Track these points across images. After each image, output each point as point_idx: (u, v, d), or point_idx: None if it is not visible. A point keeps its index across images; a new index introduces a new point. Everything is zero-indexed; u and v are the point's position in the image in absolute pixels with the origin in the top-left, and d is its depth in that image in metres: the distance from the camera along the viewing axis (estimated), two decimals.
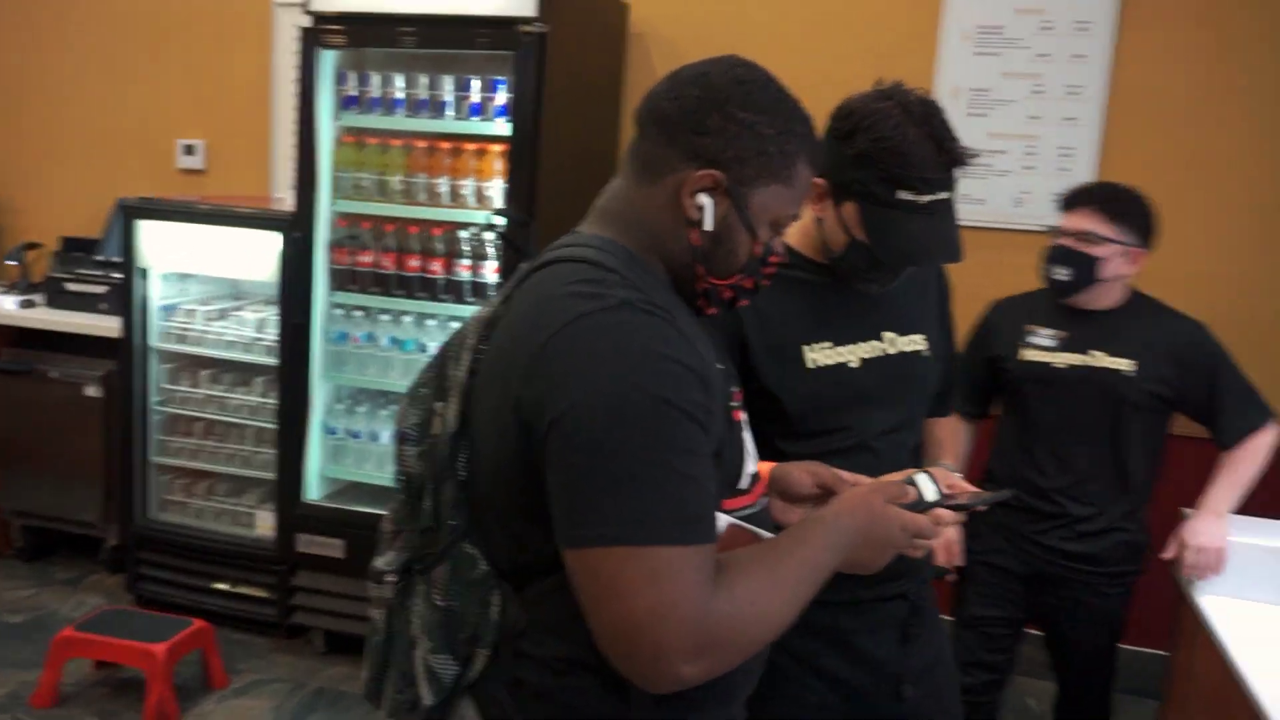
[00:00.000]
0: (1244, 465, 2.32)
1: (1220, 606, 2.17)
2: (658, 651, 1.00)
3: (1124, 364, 2.30)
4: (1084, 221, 2.28)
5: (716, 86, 1.14)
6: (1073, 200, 2.35)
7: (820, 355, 1.56)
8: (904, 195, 1.43)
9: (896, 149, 1.41)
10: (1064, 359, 2.34)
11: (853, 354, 1.58)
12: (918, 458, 1.69)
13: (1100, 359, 2.31)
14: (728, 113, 1.13)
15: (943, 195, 1.46)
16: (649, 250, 1.18)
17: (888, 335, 1.61)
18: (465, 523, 1.18)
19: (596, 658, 1.07)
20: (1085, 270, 2.28)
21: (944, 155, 1.45)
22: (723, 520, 1.13)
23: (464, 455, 1.18)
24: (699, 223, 1.15)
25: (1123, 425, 2.32)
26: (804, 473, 1.35)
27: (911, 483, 1.30)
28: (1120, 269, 2.30)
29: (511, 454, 1.09)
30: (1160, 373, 2.30)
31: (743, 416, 1.26)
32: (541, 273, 1.17)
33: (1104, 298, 2.35)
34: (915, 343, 1.63)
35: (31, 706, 3.05)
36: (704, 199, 1.14)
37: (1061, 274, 2.31)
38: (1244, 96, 3.23)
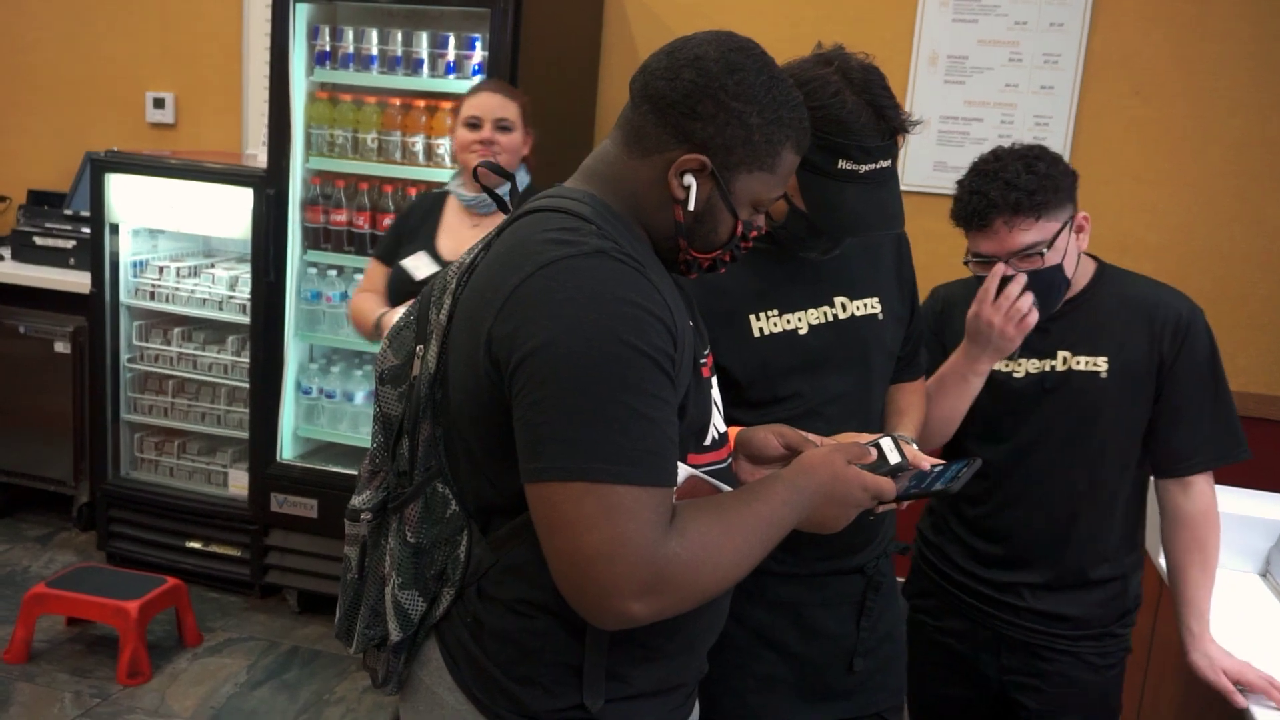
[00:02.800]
0: (1211, 541, 1.84)
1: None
2: (607, 586, 1.03)
3: (1099, 363, 1.82)
4: (1014, 237, 1.71)
5: (712, 73, 1.16)
6: (984, 216, 1.72)
7: (767, 323, 1.57)
8: (844, 165, 1.42)
9: (835, 118, 1.39)
10: (1024, 366, 1.86)
11: (802, 320, 1.58)
12: (880, 424, 1.68)
13: (1069, 360, 1.83)
14: (719, 100, 1.15)
15: (884, 164, 1.45)
16: (631, 214, 1.21)
17: (839, 300, 1.60)
18: (439, 463, 1.22)
19: (557, 601, 1.10)
20: (1053, 286, 1.76)
21: (884, 123, 1.42)
22: (684, 470, 1.15)
23: (441, 396, 1.21)
24: (684, 202, 1.18)
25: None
26: (771, 434, 1.37)
27: (875, 446, 1.32)
28: (1078, 248, 1.80)
29: (482, 393, 1.13)
30: (1137, 369, 1.82)
31: (711, 375, 1.28)
32: (521, 220, 1.20)
33: (1074, 284, 1.84)
34: (868, 306, 1.62)
35: (4, 661, 3.05)
36: (690, 180, 1.18)
37: (1027, 304, 1.75)
38: (1220, 64, 3.25)
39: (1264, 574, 2.22)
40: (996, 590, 1.87)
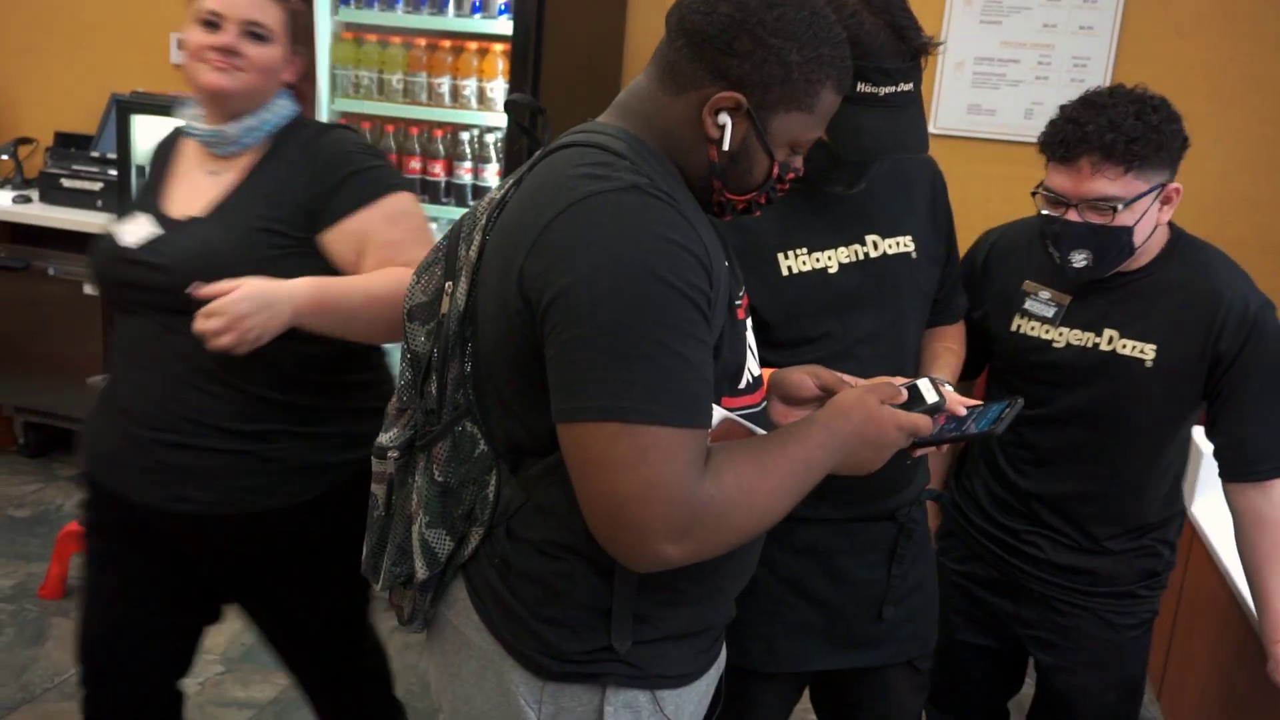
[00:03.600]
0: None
1: (1213, 516, 2.17)
2: (641, 528, 1.02)
3: (1146, 350, 1.69)
4: (1094, 183, 1.58)
5: (750, 7, 1.12)
6: (1070, 149, 1.59)
7: (796, 262, 1.54)
8: (862, 88, 1.38)
9: (854, 39, 1.33)
10: (1065, 336, 1.74)
11: (831, 259, 1.55)
12: (915, 367, 1.65)
13: (1116, 341, 1.71)
14: (757, 36, 1.12)
15: (904, 87, 1.41)
16: (665, 151, 1.18)
17: (870, 238, 1.56)
18: (468, 401, 1.21)
19: (586, 543, 1.10)
20: (1114, 248, 1.62)
21: (904, 45, 1.39)
22: (719, 413, 1.14)
23: (470, 334, 1.20)
24: (718, 141, 1.15)
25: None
26: (805, 374, 1.35)
27: (912, 387, 1.30)
28: (1157, 219, 1.66)
29: (514, 331, 1.11)
30: (1188, 364, 1.69)
31: (746, 317, 1.25)
32: (553, 156, 1.17)
33: (1143, 254, 1.70)
34: (901, 245, 1.58)
35: (39, 597, 3.10)
36: (725, 119, 1.14)
37: (1079, 259, 1.65)
38: (1267, 4, 3.15)
39: None
40: (1016, 539, 1.83)
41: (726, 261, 1.17)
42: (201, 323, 1.47)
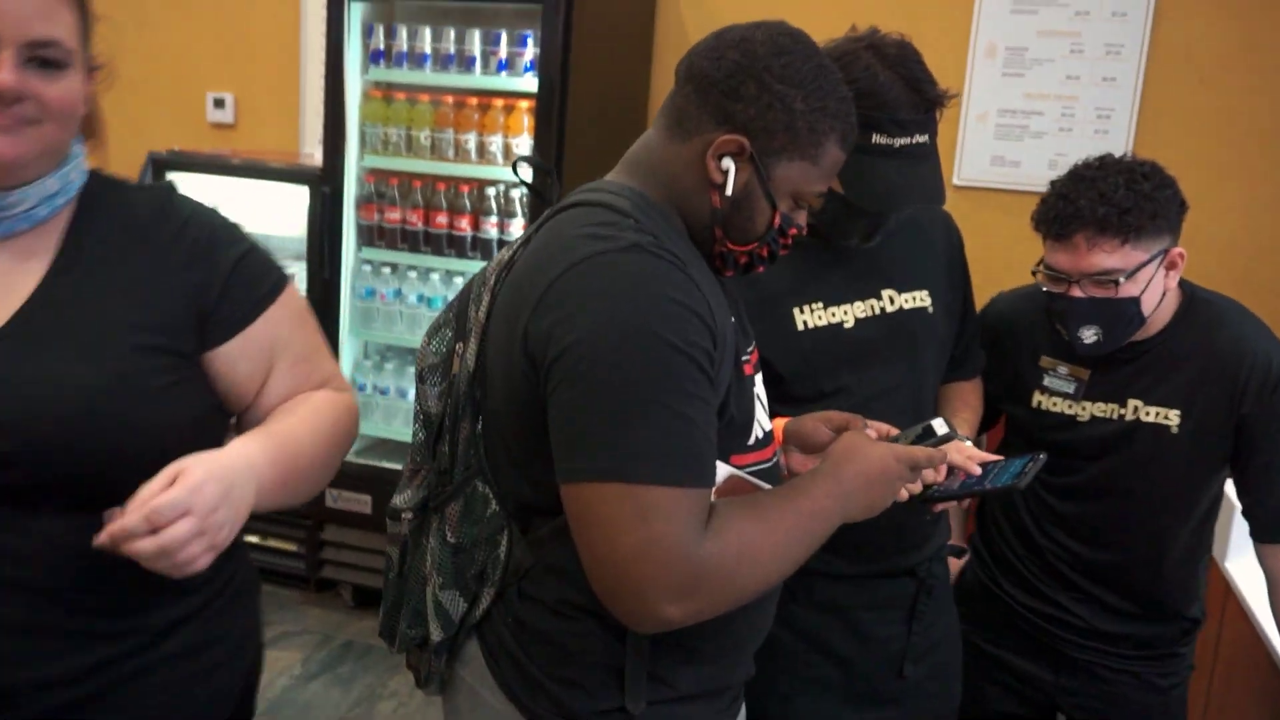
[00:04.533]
0: None
1: (1251, 574, 2.14)
2: (642, 589, 1.02)
3: (1171, 416, 1.67)
4: (1092, 257, 1.56)
5: (757, 54, 1.13)
6: (1064, 226, 1.58)
7: (811, 316, 1.54)
8: (878, 139, 1.40)
9: (868, 91, 1.37)
10: (1089, 410, 1.71)
11: (847, 313, 1.54)
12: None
13: (1140, 410, 1.68)
14: (764, 82, 1.13)
15: (920, 139, 1.42)
16: (670, 203, 1.19)
17: (886, 292, 1.57)
18: (479, 461, 1.21)
19: (598, 603, 1.09)
20: (1121, 321, 1.60)
21: (919, 97, 1.41)
22: (723, 470, 1.13)
23: (480, 394, 1.20)
24: (721, 186, 1.15)
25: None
26: (819, 421, 1.34)
27: (926, 426, 1.30)
28: (1164, 286, 1.62)
29: (520, 390, 1.11)
30: (1212, 427, 1.66)
31: (755, 373, 1.25)
32: (559, 216, 1.19)
33: (1155, 322, 1.67)
34: (918, 299, 1.58)
35: None
36: (728, 163, 1.14)
37: (1089, 336, 1.62)
38: None
39: None
40: (1056, 608, 1.78)
41: (733, 317, 1.17)
42: (139, 538, 0.95)
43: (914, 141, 1.42)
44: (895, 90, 1.40)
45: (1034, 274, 1.68)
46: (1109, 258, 1.55)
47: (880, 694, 1.63)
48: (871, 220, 1.50)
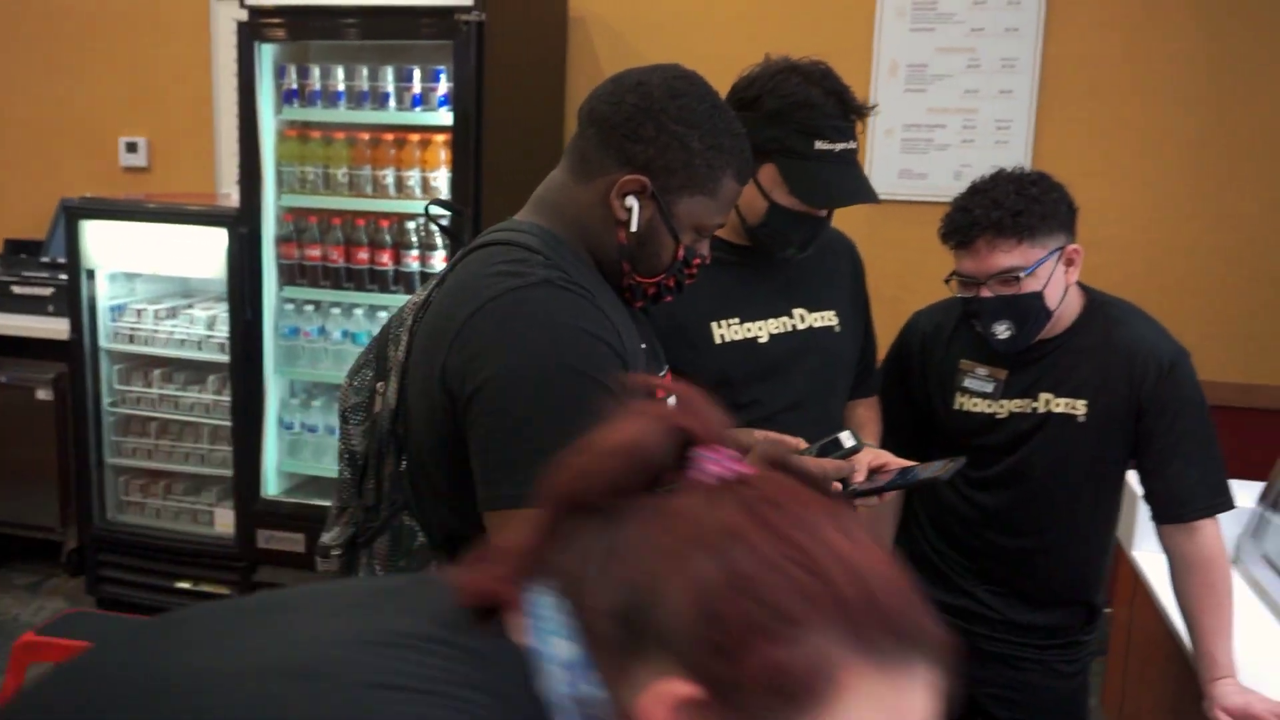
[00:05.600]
0: (1218, 587, 1.75)
1: (1157, 563, 2.23)
2: None
3: (1078, 406, 1.78)
4: (993, 258, 1.69)
5: (654, 97, 1.20)
6: (965, 234, 1.71)
7: (728, 331, 1.62)
8: (820, 145, 1.51)
9: (805, 103, 1.49)
10: (1006, 407, 1.82)
11: (762, 329, 1.63)
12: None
13: (1051, 402, 1.79)
14: (661, 123, 1.19)
15: (850, 145, 1.56)
16: (578, 240, 1.24)
17: (798, 311, 1.66)
18: (405, 496, 1.25)
19: None
20: (1031, 314, 1.72)
21: (845, 107, 1.54)
22: None
23: (402, 431, 1.24)
24: (626, 223, 1.21)
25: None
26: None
27: (834, 439, 1.38)
28: (1065, 281, 1.75)
29: (440, 424, 1.15)
30: (1115, 415, 1.78)
31: (668, 397, 1.30)
32: (471, 255, 1.23)
33: (1061, 319, 1.79)
34: (826, 319, 1.69)
35: None
36: (631, 201, 1.21)
37: (1003, 331, 1.74)
38: (1172, 64, 3.30)
39: (1235, 560, 2.25)
40: (973, 601, 1.88)
41: (645, 344, 1.23)
42: None
43: (848, 147, 1.55)
44: (828, 101, 1.53)
45: (946, 283, 1.81)
46: (1008, 257, 1.69)
47: None
48: (809, 229, 1.59)
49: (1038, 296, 1.71)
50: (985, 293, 1.72)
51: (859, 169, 1.59)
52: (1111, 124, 3.37)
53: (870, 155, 3.54)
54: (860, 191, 1.57)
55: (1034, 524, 1.83)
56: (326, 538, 1.34)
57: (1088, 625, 1.91)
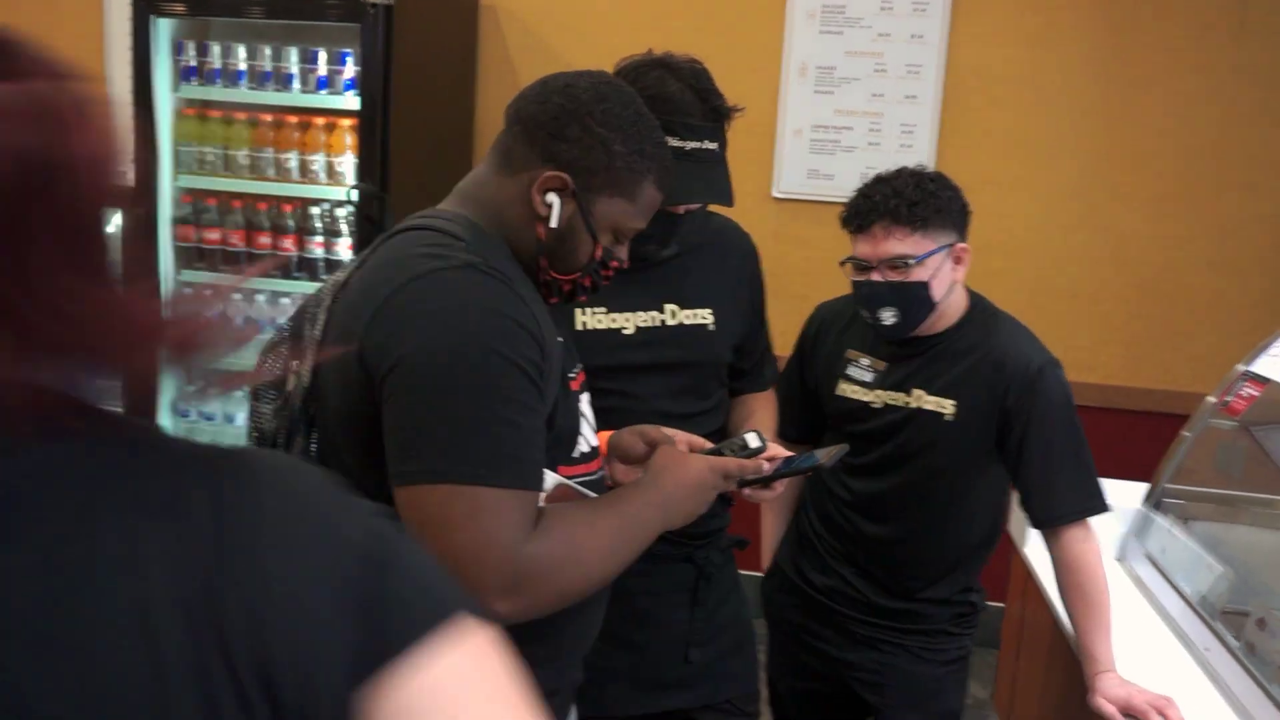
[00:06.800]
0: (1092, 588, 1.80)
1: (1046, 560, 2.30)
2: (473, 586, 1.06)
3: (946, 405, 1.85)
4: (887, 244, 1.76)
5: (580, 100, 1.22)
6: (863, 219, 1.79)
7: (591, 319, 1.63)
8: (671, 142, 1.48)
9: (659, 97, 1.49)
10: (881, 397, 1.90)
11: (629, 321, 1.64)
12: (718, 430, 1.73)
13: (921, 399, 1.87)
14: (586, 125, 1.21)
15: (710, 145, 1.56)
16: (499, 232, 1.25)
17: (669, 307, 1.67)
18: None
19: None
20: (915, 302, 1.80)
21: (706, 106, 1.55)
22: (551, 479, 1.19)
23: (314, 410, 1.24)
24: (546, 219, 1.22)
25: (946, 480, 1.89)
26: (634, 435, 1.42)
27: (741, 439, 1.40)
28: (952, 277, 1.83)
29: (355, 402, 1.15)
30: (980, 417, 1.84)
31: (582, 390, 1.31)
32: (394, 239, 1.24)
33: (944, 317, 1.86)
34: (699, 316, 1.69)
35: None
36: (552, 198, 1.22)
37: (888, 317, 1.81)
38: (1069, 75, 3.42)
39: (1120, 559, 2.34)
40: (840, 582, 1.96)
41: (560, 337, 1.23)
42: None
43: (703, 147, 1.55)
44: (686, 98, 1.53)
45: (841, 265, 1.87)
46: (901, 244, 1.77)
47: (668, 679, 1.70)
48: (666, 226, 1.57)
49: (924, 287, 1.79)
50: (876, 276, 1.80)
51: (714, 169, 1.58)
52: (1010, 132, 3.47)
53: (779, 154, 3.59)
54: (706, 192, 1.58)
55: (896, 513, 1.91)
56: None
57: (959, 619, 1.97)
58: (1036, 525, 1.87)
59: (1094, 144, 3.43)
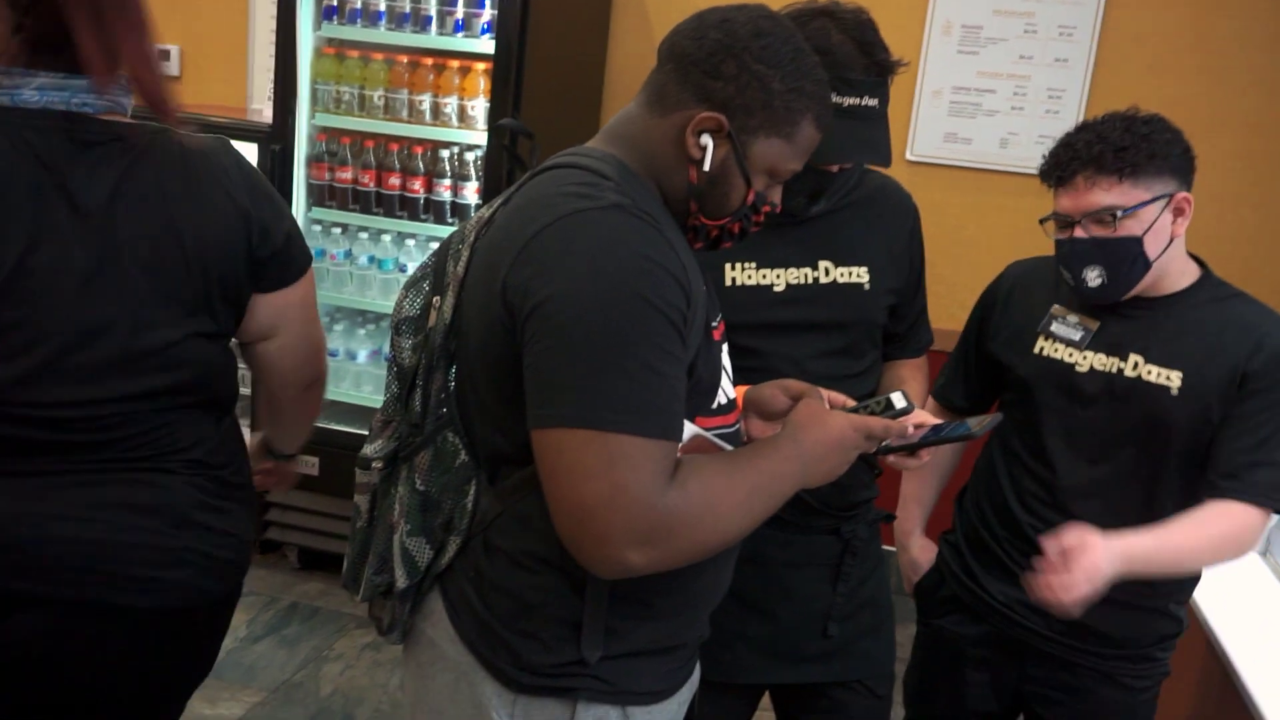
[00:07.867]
0: (1205, 527, 1.55)
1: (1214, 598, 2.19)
2: (605, 534, 1.04)
3: (1173, 377, 1.60)
4: (1091, 195, 1.56)
5: (737, 35, 1.16)
6: (1064, 169, 1.59)
7: (741, 274, 1.57)
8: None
9: (819, 49, 1.39)
10: (1090, 360, 1.66)
11: (780, 278, 1.58)
12: (867, 392, 1.65)
13: (1139, 366, 1.62)
14: (743, 62, 1.16)
15: (870, 101, 1.47)
16: (649, 174, 1.21)
17: (823, 264, 1.60)
18: (451, 413, 1.24)
19: (560, 555, 1.11)
20: (1125, 260, 1.57)
21: (870, 61, 1.46)
22: (691, 429, 1.16)
23: (455, 346, 1.23)
24: (699, 161, 1.18)
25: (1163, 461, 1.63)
26: (777, 389, 1.37)
27: (886, 399, 1.34)
28: (1171, 232, 1.59)
29: (496, 341, 1.13)
30: (1214, 390, 1.59)
31: (723, 340, 1.28)
32: (540, 176, 1.21)
33: (1166, 278, 1.63)
34: (855, 275, 1.62)
35: None
36: (707, 139, 1.17)
37: (1093, 277, 1.59)
38: (1231, 41, 3.22)
39: (1264, 554, 2.22)
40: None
41: (704, 285, 1.19)
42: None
43: (863, 103, 1.47)
44: (847, 50, 1.45)
45: (1042, 224, 1.67)
46: (1106, 194, 1.56)
47: (805, 651, 1.67)
48: (812, 182, 1.52)
49: (1136, 242, 1.56)
50: (1079, 233, 1.58)
51: (875, 127, 1.49)
52: (1167, 102, 3.26)
53: (915, 116, 3.47)
54: (863, 150, 1.48)
55: (1107, 508, 1.62)
56: (369, 449, 1.33)
57: (1161, 642, 1.71)
58: (1212, 491, 1.57)
59: (1260, 115, 3.23)
